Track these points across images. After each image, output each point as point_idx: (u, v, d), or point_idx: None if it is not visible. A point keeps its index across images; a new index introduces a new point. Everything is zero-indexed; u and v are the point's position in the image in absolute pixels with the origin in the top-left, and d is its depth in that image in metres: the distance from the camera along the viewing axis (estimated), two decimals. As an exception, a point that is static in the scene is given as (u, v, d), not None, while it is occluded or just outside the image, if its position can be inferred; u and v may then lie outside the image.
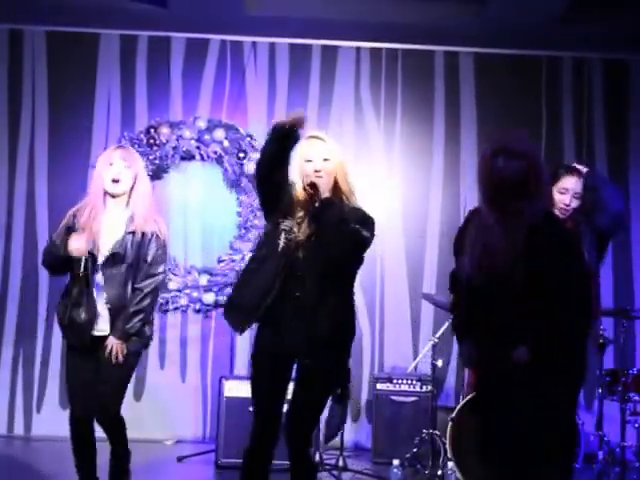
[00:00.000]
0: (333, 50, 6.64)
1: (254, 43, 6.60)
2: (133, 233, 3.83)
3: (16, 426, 6.27)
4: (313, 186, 3.37)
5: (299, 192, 3.44)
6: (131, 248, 3.82)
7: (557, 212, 4.04)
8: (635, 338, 6.39)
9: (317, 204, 3.35)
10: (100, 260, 3.81)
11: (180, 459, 5.50)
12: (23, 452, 5.84)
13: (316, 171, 3.40)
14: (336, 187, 3.45)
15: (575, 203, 4.09)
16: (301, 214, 3.42)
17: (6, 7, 6.22)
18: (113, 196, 3.88)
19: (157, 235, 3.87)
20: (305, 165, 3.42)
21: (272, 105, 6.59)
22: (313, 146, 3.45)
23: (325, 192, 3.40)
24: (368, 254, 3.46)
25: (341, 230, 3.30)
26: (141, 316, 3.82)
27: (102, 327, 3.82)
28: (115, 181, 3.84)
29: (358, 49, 6.65)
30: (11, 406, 6.30)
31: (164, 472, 5.40)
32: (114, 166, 3.85)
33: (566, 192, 4.07)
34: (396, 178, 6.58)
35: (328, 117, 6.61)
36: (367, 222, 3.42)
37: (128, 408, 4.08)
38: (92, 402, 3.81)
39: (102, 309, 3.82)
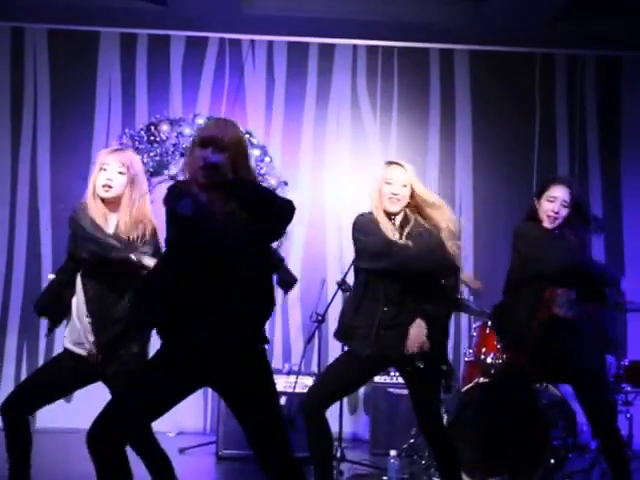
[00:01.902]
0: (330, 48, 6.70)
1: (252, 41, 6.66)
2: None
3: (19, 419, 6.34)
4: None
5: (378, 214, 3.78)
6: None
7: (546, 221, 4.01)
8: (627, 330, 6.47)
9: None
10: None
11: (182, 450, 5.57)
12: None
13: (394, 194, 3.74)
14: (419, 209, 3.81)
15: (564, 212, 4.00)
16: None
17: (8, 5, 6.27)
18: (103, 200, 3.63)
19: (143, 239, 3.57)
20: (384, 187, 3.76)
21: (270, 102, 6.66)
22: (394, 171, 3.77)
23: (399, 215, 3.78)
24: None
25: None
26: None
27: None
28: (105, 186, 3.60)
29: (355, 47, 6.70)
30: (15, 399, 6.36)
31: (166, 463, 5.47)
32: (107, 171, 3.61)
33: (554, 200, 3.99)
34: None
35: (325, 114, 6.67)
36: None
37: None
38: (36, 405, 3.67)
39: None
